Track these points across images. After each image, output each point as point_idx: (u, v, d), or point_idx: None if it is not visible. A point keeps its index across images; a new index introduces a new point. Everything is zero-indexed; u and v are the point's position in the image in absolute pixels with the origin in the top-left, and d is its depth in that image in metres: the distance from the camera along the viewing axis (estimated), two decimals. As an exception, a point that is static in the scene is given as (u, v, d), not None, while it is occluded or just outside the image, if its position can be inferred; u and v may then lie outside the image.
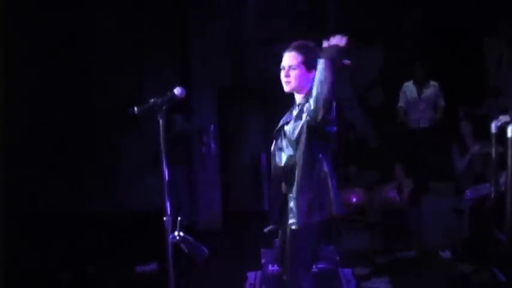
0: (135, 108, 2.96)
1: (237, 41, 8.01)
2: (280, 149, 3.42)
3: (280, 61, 3.41)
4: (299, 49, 3.33)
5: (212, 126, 7.61)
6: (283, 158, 3.40)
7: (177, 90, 3.02)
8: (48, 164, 7.70)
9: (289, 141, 3.34)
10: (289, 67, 3.33)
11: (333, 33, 3.19)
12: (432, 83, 7.68)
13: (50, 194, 7.68)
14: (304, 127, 3.25)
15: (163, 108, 2.96)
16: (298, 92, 3.37)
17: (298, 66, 3.31)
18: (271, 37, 7.54)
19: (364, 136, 8.46)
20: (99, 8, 7.82)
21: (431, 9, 7.96)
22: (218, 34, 7.86)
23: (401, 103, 7.80)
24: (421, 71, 7.67)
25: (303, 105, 3.29)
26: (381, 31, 8.23)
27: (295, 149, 3.30)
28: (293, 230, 3.29)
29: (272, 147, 3.51)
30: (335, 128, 3.26)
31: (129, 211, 7.66)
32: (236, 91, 8.22)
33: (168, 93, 3.01)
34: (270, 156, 3.58)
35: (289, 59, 3.34)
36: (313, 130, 3.22)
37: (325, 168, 3.26)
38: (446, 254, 6.21)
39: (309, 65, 3.29)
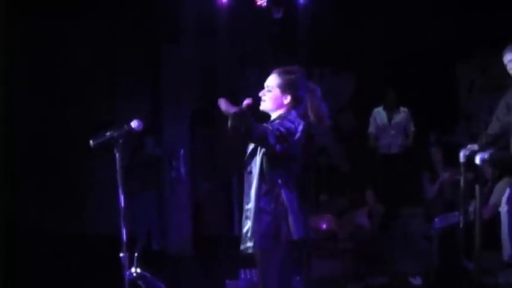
0: (91, 142, 2.92)
1: (208, 65, 7.99)
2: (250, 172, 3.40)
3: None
4: (279, 73, 3.40)
5: (182, 150, 7.54)
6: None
7: (134, 124, 3.00)
8: (18, 184, 7.56)
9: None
10: (267, 87, 3.41)
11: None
12: (402, 109, 7.72)
13: (21, 215, 7.54)
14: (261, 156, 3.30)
15: (120, 141, 2.92)
16: (270, 112, 3.43)
17: (273, 88, 3.37)
18: (243, 61, 7.54)
19: (335, 162, 8.45)
20: (74, 32, 7.77)
21: (403, 35, 8.02)
22: (190, 57, 7.83)
23: (371, 129, 7.83)
24: (391, 97, 7.71)
25: None
26: (351, 57, 8.27)
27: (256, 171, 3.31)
28: (251, 254, 3.26)
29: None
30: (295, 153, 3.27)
31: (97, 236, 7.52)
32: (207, 114, 8.16)
33: (125, 126, 2.99)
34: (241, 179, 3.56)
35: (269, 80, 3.43)
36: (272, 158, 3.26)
37: (283, 194, 3.23)
38: (417, 281, 6.18)
39: (283, 88, 3.35)
